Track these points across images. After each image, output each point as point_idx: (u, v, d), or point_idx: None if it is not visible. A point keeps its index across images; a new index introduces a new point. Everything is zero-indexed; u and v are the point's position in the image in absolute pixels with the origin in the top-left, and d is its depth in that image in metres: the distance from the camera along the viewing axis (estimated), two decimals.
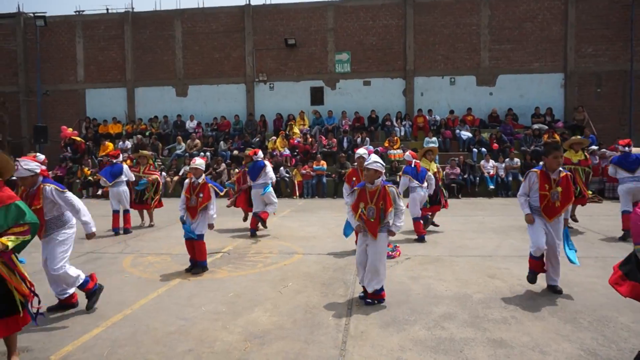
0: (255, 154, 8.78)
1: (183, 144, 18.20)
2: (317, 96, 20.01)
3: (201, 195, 5.85)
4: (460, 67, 19.18)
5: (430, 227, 8.74)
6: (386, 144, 17.03)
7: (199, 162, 6.03)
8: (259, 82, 20.26)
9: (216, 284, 5.40)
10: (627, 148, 8.00)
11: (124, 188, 9.14)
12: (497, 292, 4.92)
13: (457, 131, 17.50)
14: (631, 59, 17.80)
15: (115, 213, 9.08)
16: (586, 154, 8.60)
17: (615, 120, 18.21)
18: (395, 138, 17.10)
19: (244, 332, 3.94)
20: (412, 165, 8.00)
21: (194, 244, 5.89)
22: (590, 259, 6.27)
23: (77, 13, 21.57)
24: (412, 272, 5.79)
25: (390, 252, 6.66)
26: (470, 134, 17.23)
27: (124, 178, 9.11)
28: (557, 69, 18.67)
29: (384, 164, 4.80)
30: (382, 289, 4.61)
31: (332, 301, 4.70)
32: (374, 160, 4.55)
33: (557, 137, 16.37)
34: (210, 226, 6.02)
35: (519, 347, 3.54)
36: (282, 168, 16.21)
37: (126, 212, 9.17)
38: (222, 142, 18.28)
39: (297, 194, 15.63)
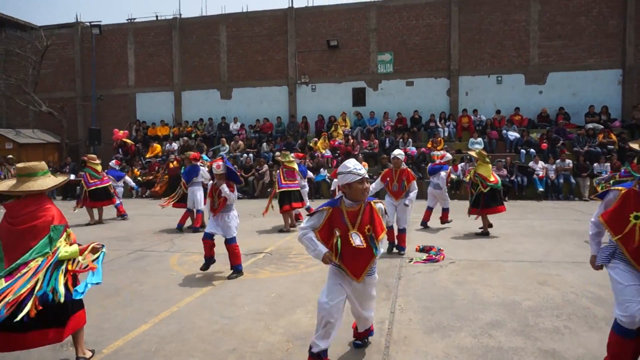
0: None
1: (227, 146, 18.61)
2: (359, 97, 19.90)
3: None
4: (508, 65, 18.51)
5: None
6: (429, 145, 16.70)
7: (223, 167, 5.92)
8: (301, 83, 20.41)
9: (258, 284, 5.46)
10: None
11: (197, 188, 9.50)
12: (548, 299, 4.69)
13: (504, 131, 16.90)
14: None
15: (187, 211, 9.55)
16: None
17: None
18: (439, 139, 16.73)
19: (286, 333, 3.96)
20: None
21: (227, 248, 5.84)
22: None
23: (129, 21, 22.57)
24: (456, 276, 5.62)
25: (434, 256, 6.51)
26: (518, 135, 16.59)
27: (199, 179, 9.50)
28: (614, 65, 17.64)
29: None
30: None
31: None
32: (364, 170, 3.23)
33: (614, 138, 15.49)
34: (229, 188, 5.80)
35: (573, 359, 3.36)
36: (323, 169, 16.24)
37: (198, 211, 9.53)
38: (264, 144, 18.54)
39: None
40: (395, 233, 6.97)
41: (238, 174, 6.21)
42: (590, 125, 16.33)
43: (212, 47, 21.23)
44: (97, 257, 3.42)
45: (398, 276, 5.67)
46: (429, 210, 9.43)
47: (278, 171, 9.65)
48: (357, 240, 3.13)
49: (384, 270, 5.93)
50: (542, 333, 3.84)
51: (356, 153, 16.79)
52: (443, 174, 9.38)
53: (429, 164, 9.88)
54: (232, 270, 5.86)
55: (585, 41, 17.77)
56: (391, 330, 3.95)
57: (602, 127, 16.16)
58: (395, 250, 6.96)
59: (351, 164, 3.21)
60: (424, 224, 9.35)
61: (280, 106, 20.63)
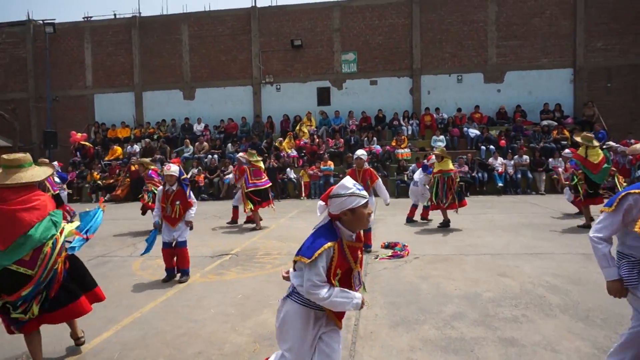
0: None
1: (191, 147, 18.29)
2: (323, 97, 20.00)
3: (178, 202, 5.64)
4: (468, 65, 19.05)
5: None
6: (393, 143, 16.98)
7: (174, 168, 5.74)
8: (265, 83, 20.31)
9: (225, 286, 5.40)
10: None
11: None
12: (508, 290, 4.87)
13: (465, 129, 17.39)
14: None
15: None
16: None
17: (626, 116, 17.94)
18: (403, 137, 17.04)
19: (253, 334, 3.94)
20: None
21: (177, 251, 5.71)
22: None
23: (86, 19, 21.80)
24: (421, 271, 5.75)
25: (399, 252, 6.63)
26: (478, 132, 17.11)
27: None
28: (566, 64, 18.48)
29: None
30: None
31: None
32: (365, 191, 2.46)
33: (567, 134, 16.22)
34: (188, 223, 5.75)
35: (530, 346, 3.50)
36: (289, 169, 16.23)
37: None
38: (229, 145, 18.34)
39: (305, 194, 15.64)
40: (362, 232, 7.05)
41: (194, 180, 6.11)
42: (545, 122, 17.04)
43: (174, 47, 20.82)
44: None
45: (364, 273, 5.75)
46: (414, 207, 9.78)
47: (244, 168, 9.57)
48: (356, 281, 2.46)
49: None
50: (502, 322, 3.98)
51: (322, 152, 16.88)
52: (423, 176, 9.74)
53: (422, 162, 10.59)
54: (180, 274, 5.73)
55: (539, 41, 18.52)
56: (358, 327, 4.00)
57: (556, 123, 16.91)
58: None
59: (350, 183, 2.44)
60: (424, 219, 9.79)
61: (245, 106, 20.47)
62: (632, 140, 15.18)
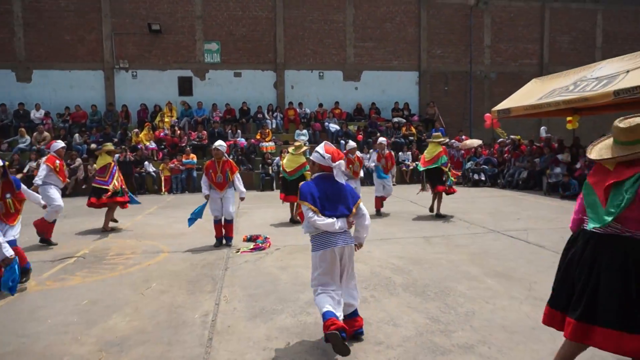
0: None
1: (27, 137, 15.93)
2: (185, 86, 19.11)
3: (9, 196, 4.94)
4: (328, 62, 19.97)
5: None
6: (258, 137, 17.03)
7: None
8: (119, 69, 18.63)
9: (66, 293, 4.85)
10: None
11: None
12: (359, 274, 5.22)
13: (326, 124, 18.24)
14: (470, 61, 20.36)
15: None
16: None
17: (459, 115, 20.71)
18: (267, 130, 17.20)
19: (99, 342, 3.62)
20: None
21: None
22: (437, 237, 7.08)
23: None
24: (281, 262, 5.89)
25: (260, 244, 6.69)
26: (338, 127, 18.10)
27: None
28: (412, 67, 20.55)
29: None
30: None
31: (199, 298, 4.55)
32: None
33: (414, 130, 18.12)
34: None
35: (376, 323, 3.84)
36: (147, 162, 15.20)
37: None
38: (77, 135, 16.44)
39: (165, 189, 14.81)
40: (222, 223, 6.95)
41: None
42: (395, 119, 18.79)
43: (3, 19, 17.83)
44: None
45: (224, 267, 5.68)
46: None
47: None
48: None
49: (210, 263, 5.88)
50: None
51: (184, 145, 16.16)
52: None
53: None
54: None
55: (390, 45, 20.27)
56: (215, 322, 3.94)
57: (404, 121, 18.76)
58: (224, 242, 6.94)
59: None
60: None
61: (96, 93, 18.52)
62: (464, 137, 17.68)
